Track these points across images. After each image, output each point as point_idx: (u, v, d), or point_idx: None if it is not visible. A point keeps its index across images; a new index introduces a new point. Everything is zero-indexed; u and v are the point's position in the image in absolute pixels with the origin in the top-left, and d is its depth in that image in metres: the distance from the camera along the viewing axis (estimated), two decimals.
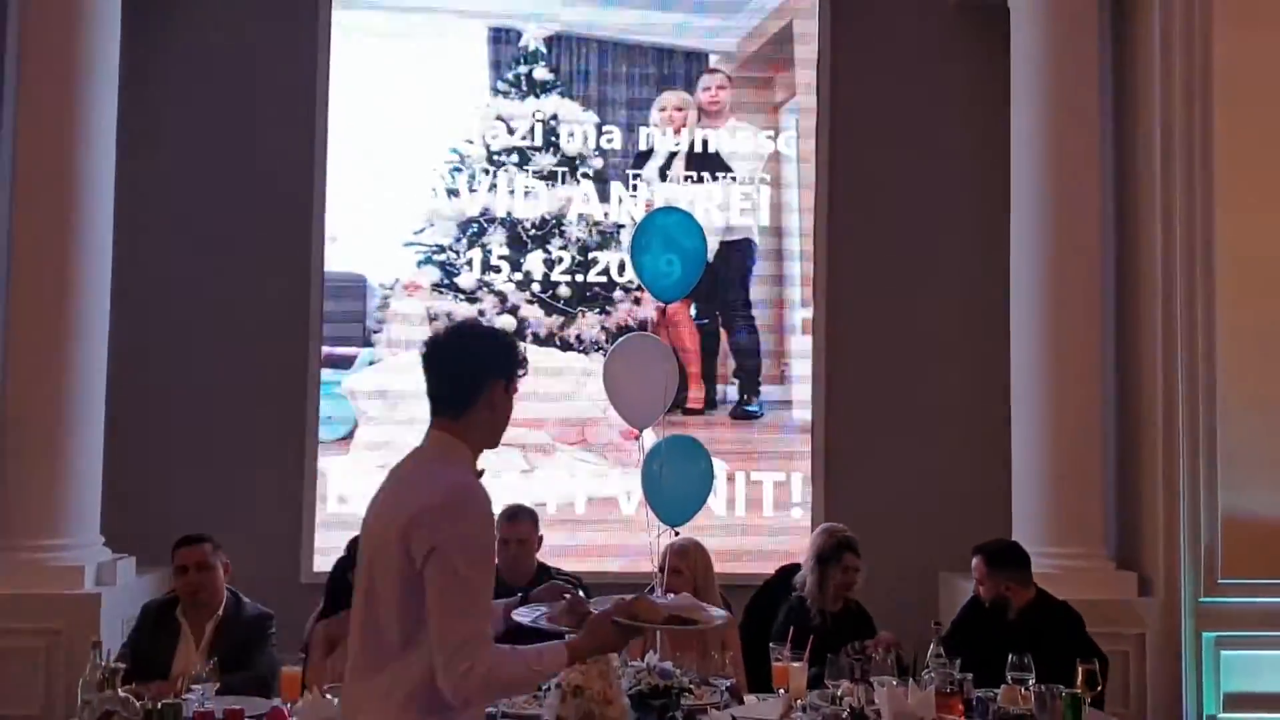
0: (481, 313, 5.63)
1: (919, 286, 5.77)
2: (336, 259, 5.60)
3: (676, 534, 3.76)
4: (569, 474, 5.60)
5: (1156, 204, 5.18)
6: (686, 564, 4.02)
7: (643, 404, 3.69)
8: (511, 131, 5.73)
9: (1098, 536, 5.12)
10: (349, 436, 5.56)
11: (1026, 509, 5.18)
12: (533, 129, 5.74)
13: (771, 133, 5.83)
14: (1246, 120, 5.11)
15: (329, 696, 3.24)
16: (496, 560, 4.02)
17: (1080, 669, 3.47)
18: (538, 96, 5.75)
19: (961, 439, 5.66)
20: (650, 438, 4.05)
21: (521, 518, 4.24)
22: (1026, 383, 5.24)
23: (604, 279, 5.70)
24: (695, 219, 3.90)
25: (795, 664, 3.60)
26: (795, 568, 4.56)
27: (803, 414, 5.75)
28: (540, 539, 4.28)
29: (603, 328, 5.65)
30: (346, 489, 5.52)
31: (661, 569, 3.96)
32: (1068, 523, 5.07)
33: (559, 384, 5.63)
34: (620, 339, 4.12)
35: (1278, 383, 5.06)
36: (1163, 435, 5.10)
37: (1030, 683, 3.54)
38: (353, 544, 4.01)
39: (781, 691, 3.55)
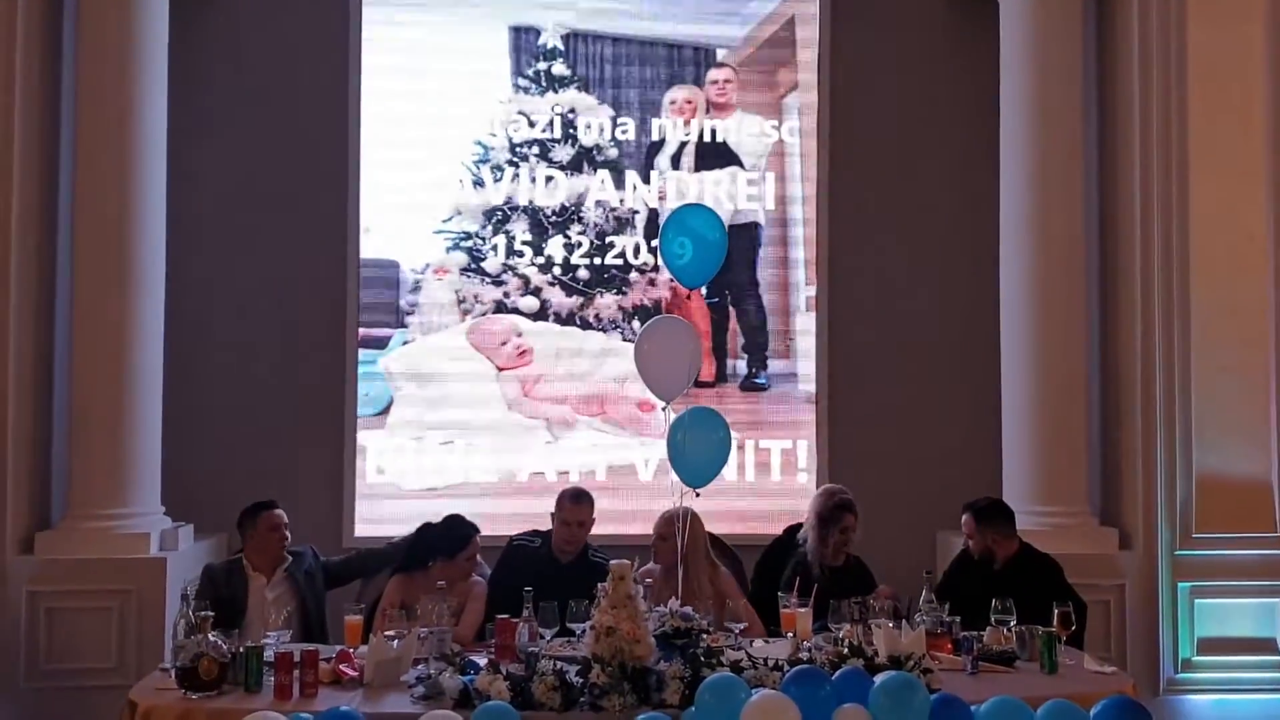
0: (506, 294, 6.01)
1: (914, 265, 6.10)
2: (371, 247, 5.96)
3: (698, 495, 4.13)
4: (590, 444, 5.97)
5: (1135, 185, 5.45)
6: (671, 531, 4.33)
7: (669, 379, 4.08)
8: (532, 125, 6.08)
9: (1081, 495, 5.42)
10: (385, 412, 5.94)
11: (1015, 471, 5.49)
12: (552, 122, 6.08)
13: (776, 122, 6.17)
14: (1219, 106, 5.38)
15: (390, 641, 3.65)
16: (554, 537, 4.49)
17: (1056, 611, 3.86)
18: (556, 91, 6.09)
19: (954, 407, 5.99)
20: (670, 410, 4.43)
21: (583, 501, 4.61)
22: (1015, 354, 5.53)
23: (620, 262, 6.06)
24: (716, 214, 4.26)
25: (801, 610, 4.00)
26: (800, 526, 4.94)
27: (807, 386, 6.10)
28: (593, 520, 4.68)
29: (620, 307, 6.02)
30: (384, 461, 5.91)
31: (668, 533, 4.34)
32: (1054, 483, 5.37)
33: (580, 361, 6.00)
34: (650, 321, 4.46)
35: (1248, 350, 5.35)
36: (1141, 400, 5.40)
37: (1012, 624, 3.93)
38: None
39: (790, 634, 3.95)
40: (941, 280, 6.10)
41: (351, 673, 3.59)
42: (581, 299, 6.03)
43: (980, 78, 5.84)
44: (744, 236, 6.11)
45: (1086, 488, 5.48)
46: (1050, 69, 5.49)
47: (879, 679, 3.13)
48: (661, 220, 4.50)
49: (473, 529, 4.46)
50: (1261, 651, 5.30)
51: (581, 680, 3.35)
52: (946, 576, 4.62)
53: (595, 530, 5.02)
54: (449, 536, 4.42)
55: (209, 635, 3.46)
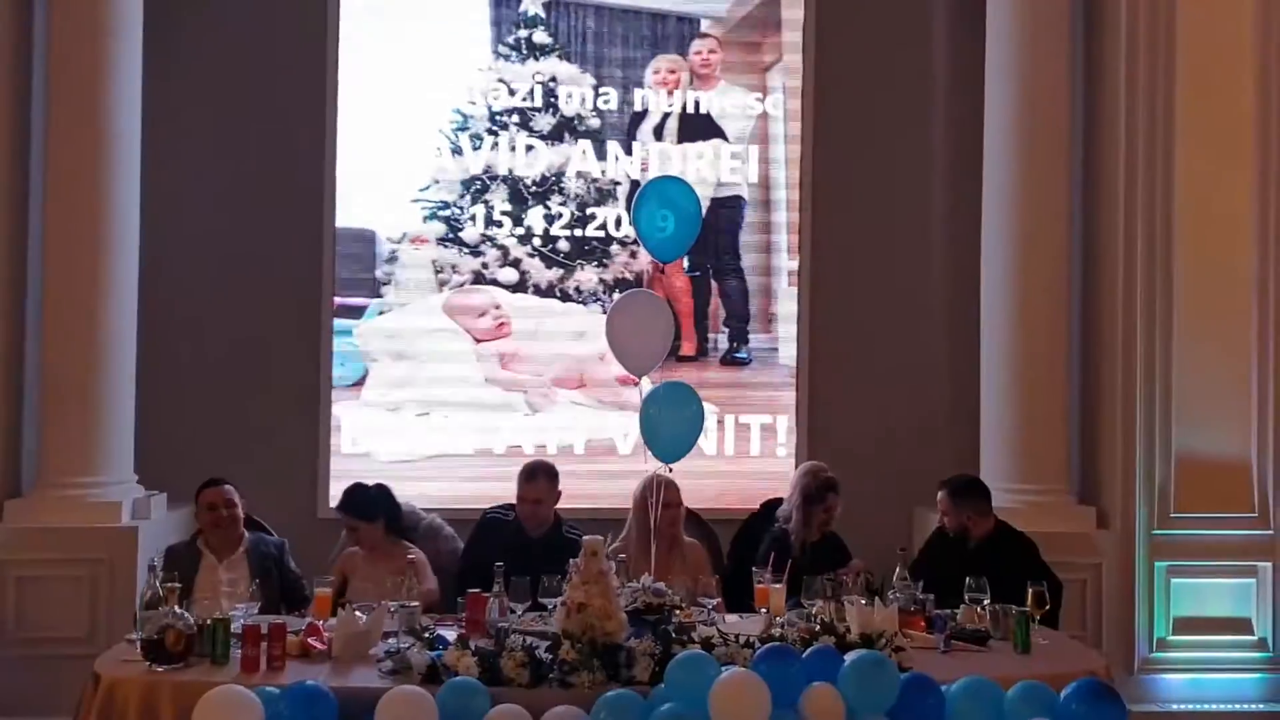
0: (485, 265, 5.94)
1: (898, 241, 6.06)
2: (347, 215, 5.89)
3: (670, 470, 4.11)
4: (569, 418, 5.94)
5: (1120, 162, 5.42)
6: (678, 497, 4.39)
7: (642, 354, 4.04)
8: (512, 93, 5.99)
9: (1060, 474, 5.41)
10: (360, 383, 5.89)
11: (995, 448, 5.46)
12: (532, 90, 6.00)
13: (760, 94, 6.11)
14: (1206, 83, 5.35)
15: (358, 614, 3.62)
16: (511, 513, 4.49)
17: (1030, 591, 3.85)
18: (537, 59, 6.01)
19: (934, 384, 5.97)
20: (646, 384, 4.40)
21: (536, 479, 4.61)
22: (995, 331, 5.51)
23: (601, 234, 6.00)
24: (691, 186, 4.22)
25: (775, 586, 3.99)
26: (778, 502, 4.91)
27: (788, 361, 6.06)
28: (559, 494, 4.65)
29: (600, 280, 5.96)
30: (359, 433, 5.86)
31: (645, 504, 4.32)
32: (1033, 461, 5.35)
33: (559, 334, 5.95)
34: (622, 294, 4.44)
35: (1228, 331, 5.35)
36: (1122, 379, 5.39)
37: (986, 603, 3.93)
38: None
39: (763, 610, 3.94)
40: (924, 256, 6.07)
41: (320, 646, 3.57)
42: (561, 271, 5.98)
43: (966, 50, 5.79)
44: (727, 210, 6.06)
45: (1065, 466, 5.47)
46: (1037, 43, 5.44)
47: (849, 658, 3.12)
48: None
49: (349, 498, 4.42)
50: (1237, 631, 5.32)
51: (551, 656, 3.33)
52: (921, 553, 4.62)
53: (572, 505, 5.03)
54: (341, 506, 4.42)
55: (175, 607, 3.42)
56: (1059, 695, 3.01)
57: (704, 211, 5.83)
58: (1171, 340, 5.36)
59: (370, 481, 4.63)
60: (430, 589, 4.17)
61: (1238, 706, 5.24)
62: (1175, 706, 5.24)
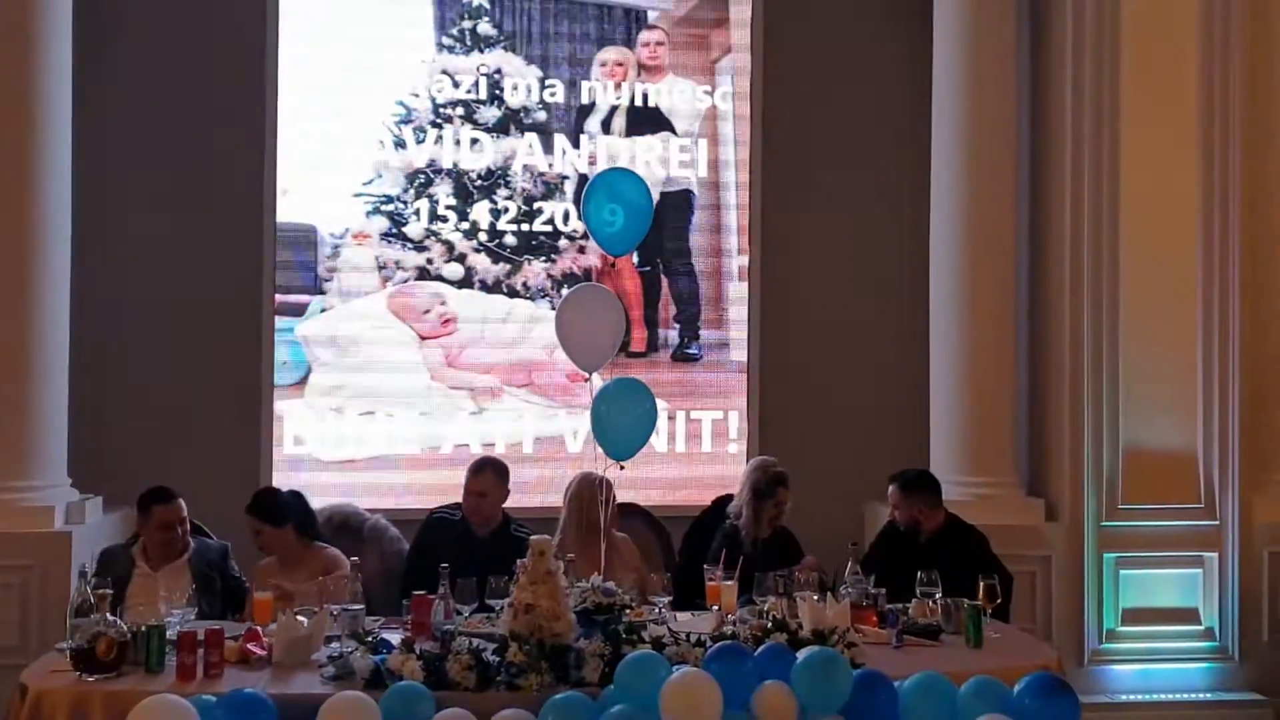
0: (430, 260, 5.83)
1: (848, 235, 6.04)
2: (288, 210, 5.76)
3: (622, 468, 4.04)
4: (517, 415, 5.85)
5: (1067, 158, 5.44)
6: (614, 494, 4.30)
7: (592, 349, 3.96)
8: (456, 85, 5.89)
9: (1009, 467, 5.44)
10: (303, 381, 5.76)
11: (944, 442, 5.48)
12: (477, 83, 5.90)
13: (708, 88, 6.05)
14: (1151, 80, 5.39)
15: (300, 619, 3.52)
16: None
17: (982, 584, 3.83)
18: (482, 51, 5.91)
19: (885, 378, 5.95)
20: (597, 380, 4.33)
21: (484, 472, 4.55)
22: (943, 325, 5.52)
23: (549, 228, 5.91)
24: (640, 177, 4.15)
25: (727, 583, 3.94)
26: (729, 498, 4.87)
27: (739, 356, 6.02)
28: (507, 492, 4.57)
29: (549, 275, 5.88)
30: (301, 431, 5.73)
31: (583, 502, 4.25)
32: (982, 454, 5.37)
33: (506, 330, 5.86)
34: (571, 289, 4.36)
35: (1174, 324, 5.39)
36: (1069, 372, 5.42)
37: (937, 596, 3.91)
38: None
39: (715, 608, 3.89)
40: (874, 250, 6.06)
41: (260, 652, 3.46)
42: (508, 266, 5.88)
43: (915, 43, 5.79)
44: (676, 204, 6.00)
45: (1014, 459, 5.50)
46: (984, 37, 5.45)
47: (801, 655, 3.07)
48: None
49: (257, 501, 4.32)
50: (1184, 621, 5.37)
51: (498, 659, 3.25)
52: (873, 548, 4.61)
53: (522, 503, 4.97)
54: (249, 509, 4.31)
55: (107, 614, 3.30)
56: (1012, 690, 2.98)
57: (653, 205, 5.89)
58: (1118, 333, 5.39)
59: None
60: (342, 577, 4.04)
61: (1186, 696, 5.28)
62: (1124, 697, 5.27)
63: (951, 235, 5.50)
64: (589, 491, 4.32)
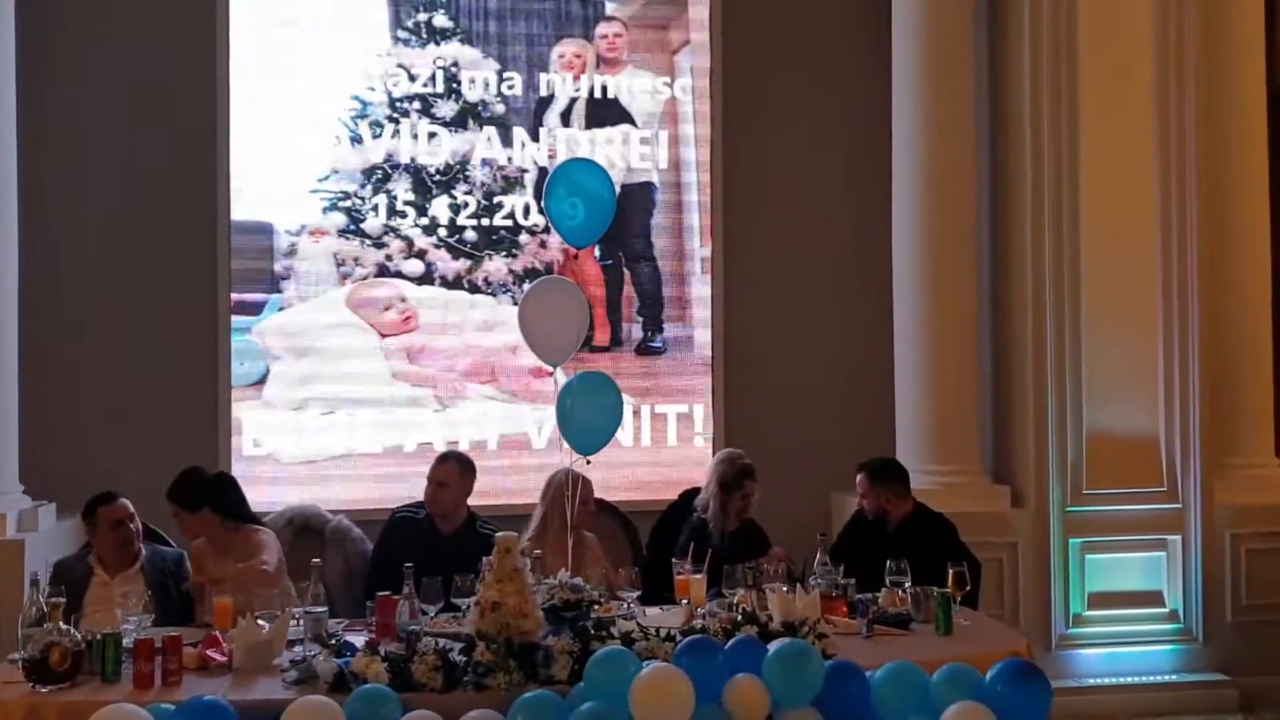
0: (389, 257, 5.75)
1: (810, 226, 6.03)
2: (242, 207, 5.65)
3: (589, 463, 3.99)
4: (481, 413, 5.78)
5: (1027, 145, 5.46)
6: (592, 490, 4.29)
7: (555, 343, 3.91)
8: (413, 79, 5.81)
9: (974, 454, 5.47)
10: (261, 381, 5.66)
11: (910, 431, 5.50)
12: (434, 76, 5.82)
13: (668, 79, 6.01)
14: (1109, 67, 5.42)
15: (260, 623, 3.44)
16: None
17: (950, 571, 3.83)
18: (438, 44, 5.83)
19: (850, 368, 5.95)
20: (561, 375, 4.28)
21: (447, 462, 4.50)
22: (907, 315, 5.53)
23: (510, 222, 5.84)
24: (602, 167, 4.09)
25: (695, 576, 3.91)
26: (696, 491, 4.83)
27: (703, 349, 5.99)
28: (471, 487, 4.50)
29: (510, 270, 5.81)
30: (261, 434, 5.64)
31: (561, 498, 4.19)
32: (947, 443, 5.40)
33: (468, 327, 5.79)
34: (534, 283, 4.30)
35: (1135, 311, 5.43)
36: (1032, 361, 5.44)
37: (906, 585, 3.90)
38: None
39: (684, 601, 3.86)
40: (837, 241, 6.05)
41: (220, 658, 3.38)
42: (469, 262, 5.81)
43: (875, 35, 5.79)
44: (638, 197, 5.96)
45: (979, 447, 5.54)
46: (943, 26, 5.47)
47: (772, 647, 3.04)
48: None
49: (174, 483, 4.16)
50: (1149, 604, 5.41)
51: (465, 659, 3.20)
52: (841, 538, 4.59)
53: (487, 501, 4.92)
54: (167, 493, 4.17)
55: (60, 623, 3.21)
56: (984, 677, 2.97)
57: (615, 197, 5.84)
58: (1080, 320, 5.42)
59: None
60: (261, 563, 3.96)
61: (1152, 678, 5.32)
62: (1091, 681, 5.30)
63: (914, 227, 5.51)
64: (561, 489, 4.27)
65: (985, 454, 5.59)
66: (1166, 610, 5.41)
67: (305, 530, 4.80)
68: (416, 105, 5.81)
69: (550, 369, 4.16)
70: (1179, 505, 5.43)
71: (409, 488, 5.10)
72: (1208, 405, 5.45)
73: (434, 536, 4.41)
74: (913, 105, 5.50)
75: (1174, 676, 5.34)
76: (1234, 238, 5.59)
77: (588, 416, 3.80)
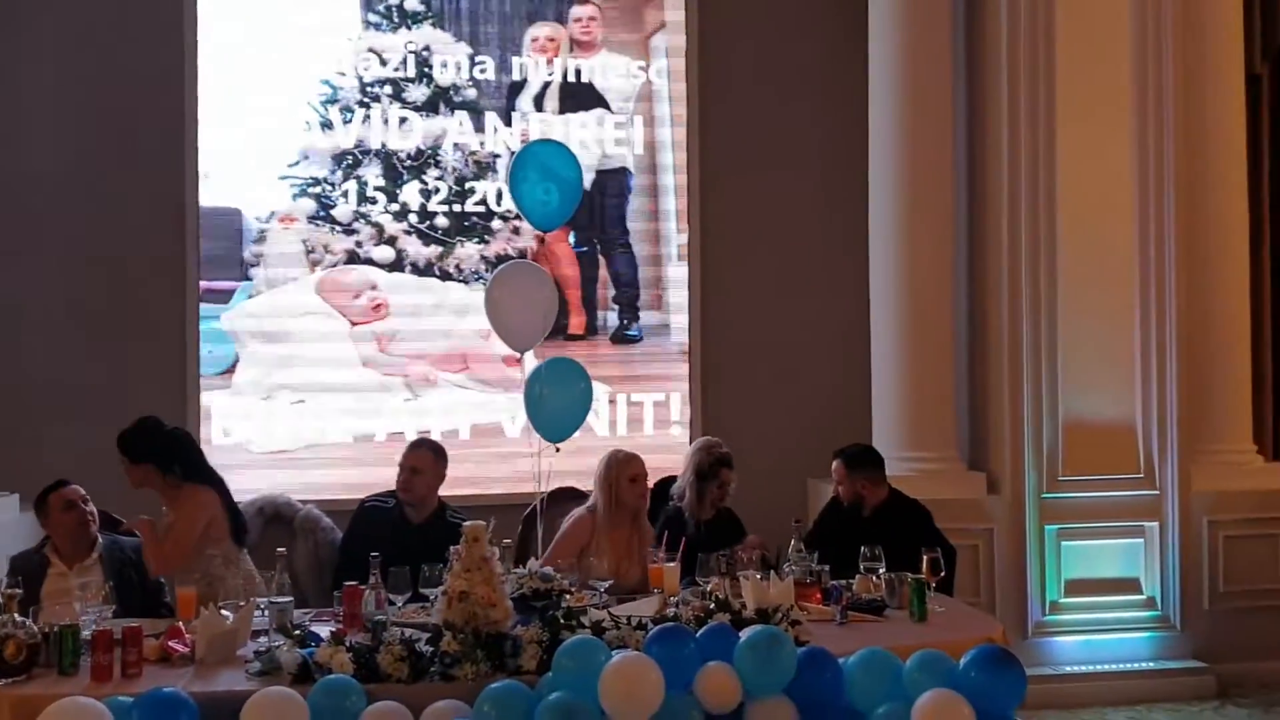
0: (359, 244, 5.67)
1: (787, 212, 5.99)
2: (211, 194, 5.57)
3: (558, 450, 3.94)
4: (453, 402, 5.71)
5: (1004, 131, 5.43)
6: (644, 469, 4.33)
7: (524, 329, 3.84)
8: (384, 63, 5.73)
9: (950, 441, 5.45)
10: (231, 369, 5.58)
11: (886, 418, 5.49)
12: (405, 60, 5.74)
13: (643, 63, 5.95)
14: (1085, 50, 5.38)
15: (224, 613, 3.38)
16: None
17: (925, 558, 3.79)
18: (409, 28, 5.75)
19: (827, 356, 5.92)
20: (532, 362, 4.22)
21: (420, 449, 4.45)
22: (884, 301, 5.51)
23: (482, 209, 5.77)
24: (571, 150, 4.03)
25: (669, 565, 3.86)
26: (672, 479, 4.79)
27: (680, 337, 5.95)
28: (443, 475, 4.44)
29: (482, 257, 5.74)
30: (230, 423, 5.56)
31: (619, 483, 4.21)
32: (923, 429, 5.39)
33: (440, 314, 5.72)
34: (501, 267, 4.24)
35: (1111, 298, 5.40)
36: (1008, 348, 5.42)
37: (881, 571, 3.86)
38: None
39: (657, 590, 3.81)
40: (814, 227, 6.00)
41: (182, 649, 3.30)
42: (440, 248, 5.74)
43: (853, 18, 5.74)
44: (612, 183, 5.91)
45: (955, 433, 5.52)
46: (921, 14, 5.44)
47: (744, 634, 2.99)
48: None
49: (123, 432, 4.06)
50: (1126, 591, 5.39)
51: (432, 649, 3.13)
52: (817, 525, 4.56)
53: (461, 491, 4.88)
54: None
55: (15, 615, 3.13)
56: (958, 664, 2.93)
57: (588, 183, 5.79)
58: (1056, 308, 5.39)
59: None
60: (181, 542, 3.88)
61: (1129, 666, 5.30)
62: (1068, 668, 5.28)
63: (891, 214, 5.49)
64: (617, 470, 4.25)
65: (962, 441, 5.57)
66: (1144, 597, 5.40)
67: (275, 519, 4.74)
68: (387, 90, 5.73)
69: (518, 355, 4.10)
70: (1156, 492, 5.41)
71: (380, 477, 5.02)
72: (1185, 392, 5.43)
73: (404, 526, 4.36)
74: (890, 91, 5.47)
75: (1151, 664, 5.33)
76: (1211, 226, 5.57)
77: (556, 403, 3.74)
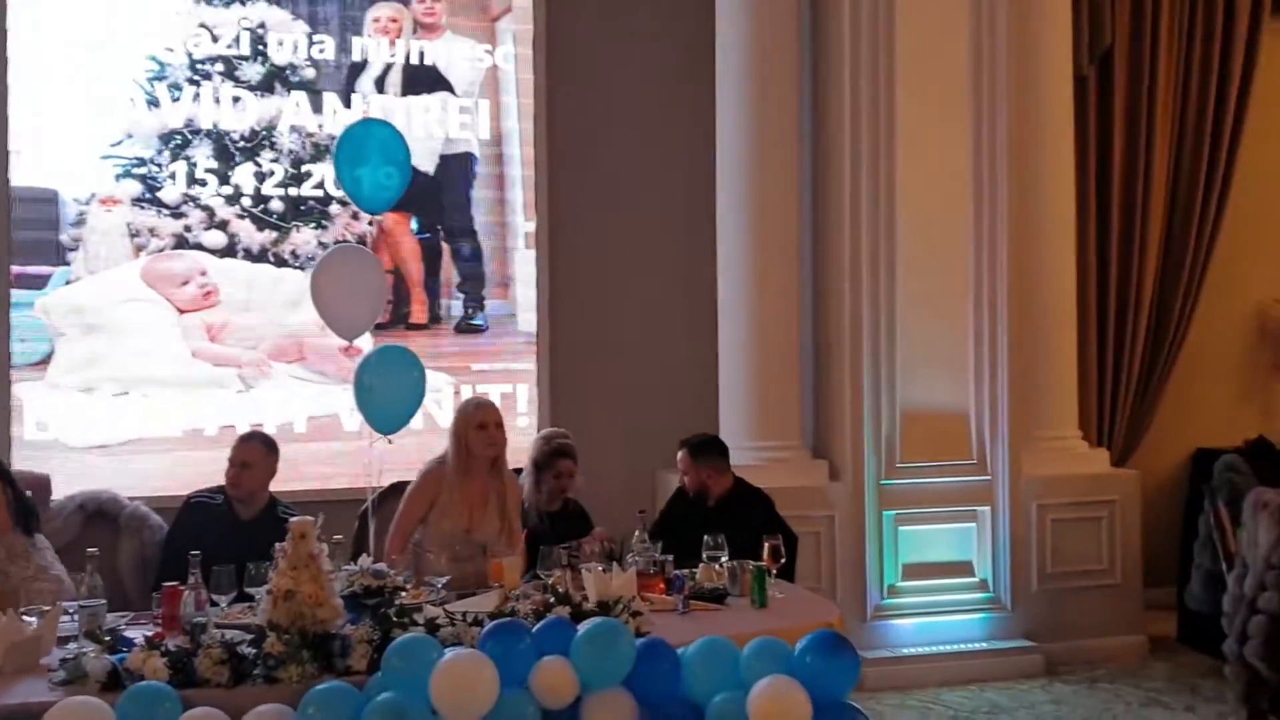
0: (188, 228, 5.40)
1: (636, 201, 5.95)
2: (25, 173, 5.21)
3: (390, 442, 3.81)
4: (288, 393, 5.50)
5: (846, 133, 5.50)
6: (497, 417, 4.18)
7: (352, 315, 3.69)
8: (216, 39, 5.45)
9: (795, 430, 5.54)
10: (46, 361, 5.24)
11: (733, 408, 5.54)
12: (239, 37, 5.48)
13: (489, 46, 5.83)
14: (925, 44, 5.50)
15: (28, 619, 3.15)
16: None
17: (766, 545, 3.82)
18: (243, 3, 5.49)
19: (675, 347, 5.91)
20: (370, 348, 4.07)
21: (251, 441, 4.27)
22: (732, 294, 5.56)
23: (320, 193, 5.56)
24: (397, 129, 3.89)
25: (509, 559, 3.78)
26: (516, 472, 4.72)
27: (528, 327, 5.85)
28: (274, 470, 4.26)
29: (319, 243, 5.52)
30: (45, 414, 5.22)
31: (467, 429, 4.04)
32: (769, 419, 5.46)
33: (275, 301, 5.50)
34: (326, 251, 4.09)
35: (947, 292, 5.55)
36: (850, 340, 5.51)
37: (723, 560, 3.87)
38: None
39: (497, 585, 3.73)
40: (663, 219, 5.98)
41: None
42: (275, 234, 5.51)
43: (700, 7, 5.73)
44: (457, 168, 5.77)
45: (800, 423, 5.59)
46: (766, 8, 5.47)
47: (582, 627, 2.94)
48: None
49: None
50: (960, 574, 5.56)
51: (255, 651, 2.98)
52: (663, 515, 4.56)
53: (294, 486, 4.68)
54: None
55: None
56: (794, 650, 2.94)
57: (431, 168, 5.65)
58: (895, 300, 5.51)
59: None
60: None
61: (963, 646, 5.46)
62: (905, 650, 5.41)
63: (738, 209, 5.54)
64: (463, 419, 4.08)
65: (806, 430, 5.65)
66: (977, 580, 5.57)
67: (98, 516, 4.45)
68: (219, 68, 5.47)
69: (360, 348, 3.96)
70: (988, 477, 5.59)
71: (211, 472, 4.79)
72: (1015, 382, 5.61)
73: (232, 522, 4.16)
74: (738, 85, 5.51)
75: (984, 644, 5.50)
76: (1041, 224, 5.77)
77: (387, 394, 3.61)
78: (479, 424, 4.08)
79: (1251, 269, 6.64)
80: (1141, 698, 5.08)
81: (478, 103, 5.79)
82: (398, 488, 4.29)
